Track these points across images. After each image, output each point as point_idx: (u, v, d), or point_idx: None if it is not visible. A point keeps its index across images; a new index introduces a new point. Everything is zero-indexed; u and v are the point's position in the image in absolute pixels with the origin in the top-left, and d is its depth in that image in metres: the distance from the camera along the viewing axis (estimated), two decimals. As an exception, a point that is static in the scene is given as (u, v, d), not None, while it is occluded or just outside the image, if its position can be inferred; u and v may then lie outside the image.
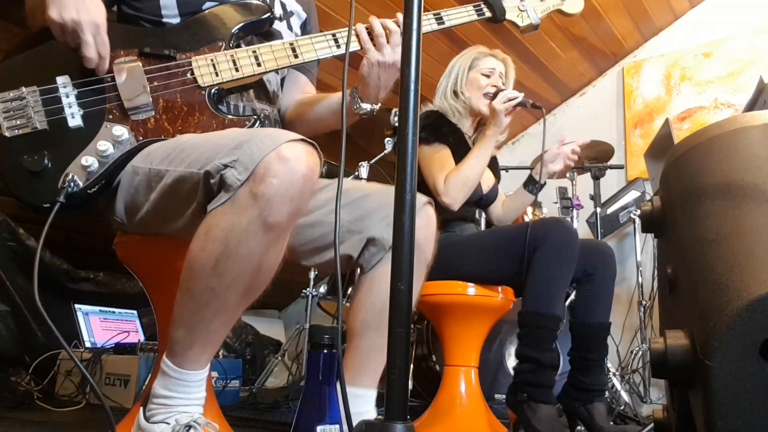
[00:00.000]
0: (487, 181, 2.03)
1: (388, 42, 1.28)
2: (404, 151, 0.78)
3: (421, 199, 1.25)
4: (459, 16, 1.38)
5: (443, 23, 1.35)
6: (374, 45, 1.28)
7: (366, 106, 1.34)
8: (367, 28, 1.30)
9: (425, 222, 1.26)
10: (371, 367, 1.23)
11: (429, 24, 1.35)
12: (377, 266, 1.27)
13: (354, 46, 1.29)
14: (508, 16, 1.42)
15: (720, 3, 3.46)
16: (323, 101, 1.44)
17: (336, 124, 1.40)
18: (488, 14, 1.40)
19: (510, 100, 1.86)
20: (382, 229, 1.26)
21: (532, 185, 2.05)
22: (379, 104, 1.36)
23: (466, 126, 2.07)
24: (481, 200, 2.00)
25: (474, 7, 1.40)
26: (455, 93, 2.07)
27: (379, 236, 1.26)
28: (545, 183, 2.07)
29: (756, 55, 3.27)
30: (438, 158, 1.92)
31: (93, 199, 1.13)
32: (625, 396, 2.60)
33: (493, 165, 2.15)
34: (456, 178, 1.85)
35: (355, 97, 1.34)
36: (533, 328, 1.65)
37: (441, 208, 1.87)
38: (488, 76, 2.04)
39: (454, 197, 1.85)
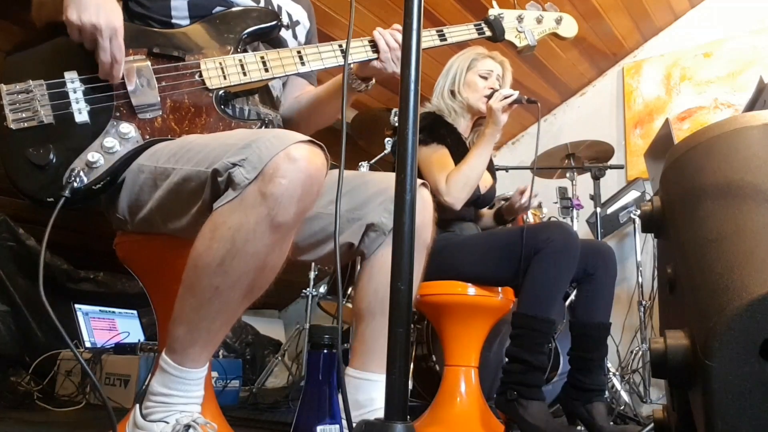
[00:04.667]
0: (485, 182, 2.03)
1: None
2: (404, 151, 0.78)
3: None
4: (461, 33, 1.44)
5: (445, 40, 1.41)
6: (392, 56, 1.32)
7: (362, 85, 1.40)
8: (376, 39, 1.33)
9: (421, 205, 1.26)
10: (378, 352, 1.23)
11: (432, 40, 1.40)
12: (378, 251, 1.28)
13: (359, 57, 1.32)
14: (506, 37, 1.49)
15: (720, 3, 3.46)
16: (317, 92, 1.47)
17: (333, 112, 1.45)
18: (488, 33, 1.48)
19: (506, 98, 1.86)
20: (380, 214, 1.27)
21: (500, 221, 2.19)
22: (374, 80, 1.40)
23: (463, 126, 2.07)
24: (478, 200, 2.00)
25: (475, 26, 1.47)
26: (452, 93, 2.08)
27: (378, 221, 1.26)
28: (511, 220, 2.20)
29: (756, 55, 3.27)
30: (437, 159, 1.92)
31: (97, 195, 1.13)
32: (625, 396, 2.60)
33: (490, 167, 2.16)
34: (457, 178, 1.85)
35: (352, 77, 1.38)
36: (527, 330, 1.65)
37: (441, 208, 1.88)
38: (486, 78, 2.05)
39: (456, 197, 1.85)
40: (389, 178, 1.32)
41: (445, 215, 1.93)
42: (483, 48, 2.13)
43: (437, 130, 1.98)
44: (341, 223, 1.25)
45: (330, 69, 1.32)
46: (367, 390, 1.19)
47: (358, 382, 1.20)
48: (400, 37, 1.29)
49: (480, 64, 2.07)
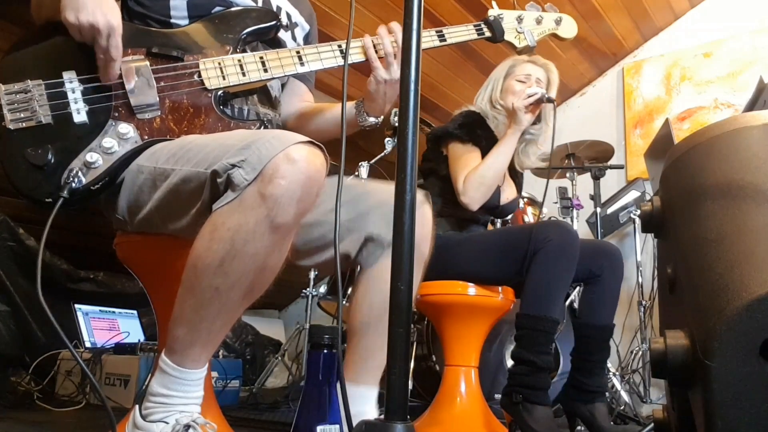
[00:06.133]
0: (508, 193, 2.00)
1: (395, 58, 1.30)
2: (404, 151, 0.78)
3: (418, 197, 1.26)
4: (460, 34, 1.43)
5: (445, 40, 1.40)
6: (381, 62, 1.30)
7: (371, 119, 1.38)
8: (374, 42, 1.31)
9: (420, 221, 1.26)
10: (372, 366, 1.23)
11: (432, 41, 1.39)
12: (376, 264, 1.27)
13: (359, 57, 1.31)
14: (506, 38, 1.48)
15: (720, 3, 3.46)
16: (325, 112, 1.46)
17: (337, 133, 1.42)
18: (488, 34, 1.47)
19: (529, 96, 1.84)
20: (380, 226, 1.26)
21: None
22: (383, 116, 1.39)
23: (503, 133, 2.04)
24: (496, 210, 1.98)
25: (475, 26, 1.46)
26: (492, 103, 2.05)
27: (377, 234, 1.26)
28: None
29: (756, 55, 3.27)
30: (465, 159, 1.91)
31: (95, 195, 1.13)
32: (625, 396, 2.60)
33: (518, 179, 2.12)
34: (473, 178, 1.84)
35: (361, 110, 1.37)
36: (530, 330, 1.65)
37: (458, 208, 1.88)
38: (524, 82, 2.01)
39: (472, 197, 1.84)
40: (391, 189, 1.31)
41: (460, 213, 1.92)
42: (524, 55, 2.04)
43: (475, 130, 1.96)
44: (341, 231, 1.24)
45: (329, 69, 1.31)
46: (359, 403, 1.18)
47: (349, 395, 1.20)
48: (398, 38, 1.30)
49: (518, 69, 2.04)
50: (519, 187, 2.13)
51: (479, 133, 1.96)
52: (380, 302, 1.21)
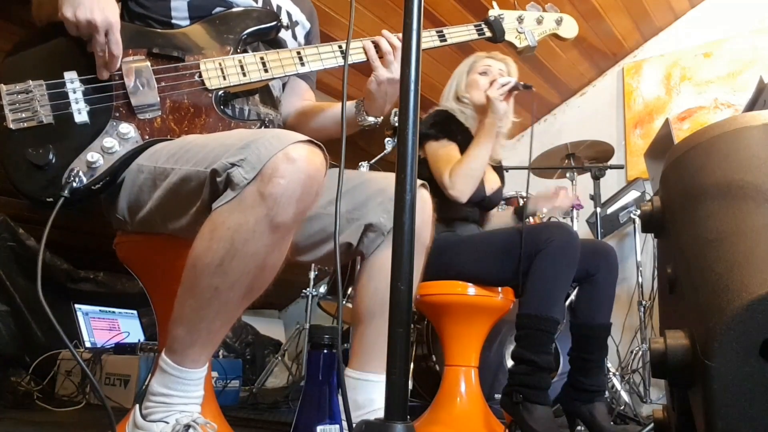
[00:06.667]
0: (492, 183, 2.03)
1: (395, 58, 1.30)
2: (404, 151, 0.78)
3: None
4: (461, 34, 1.44)
5: (445, 40, 1.41)
6: (382, 62, 1.30)
7: (371, 119, 1.38)
8: (374, 43, 1.31)
9: (420, 206, 1.26)
10: (378, 353, 1.23)
11: (432, 41, 1.40)
12: (377, 251, 1.28)
13: (359, 57, 1.32)
14: (507, 38, 1.49)
15: (720, 3, 3.46)
16: (325, 111, 1.46)
17: (337, 132, 1.42)
18: (488, 34, 1.47)
19: (503, 85, 1.87)
20: (379, 214, 1.27)
21: (520, 217, 2.17)
22: (383, 116, 1.39)
23: (474, 127, 2.06)
24: (483, 201, 2.00)
25: (475, 26, 1.46)
26: (458, 98, 2.10)
27: (377, 221, 1.27)
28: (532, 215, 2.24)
29: (756, 55, 3.27)
30: (444, 153, 1.93)
31: (96, 195, 1.13)
32: (625, 396, 2.60)
33: (498, 169, 2.16)
34: (460, 170, 1.86)
35: (361, 109, 1.37)
36: (531, 330, 1.65)
37: (446, 207, 1.88)
38: (486, 74, 2.06)
39: (461, 190, 1.86)
40: (388, 177, 1.32)
41: (448, 214, 1.92)
42: (483, 52, 2.16)
43: (448, 126, 1.99)
44: (340, 223, 1.25)
45: (329, 69, 1.32)
46: (367, 390, 1.19)
47: (357, 382, 1.20)
48: (395, 41, 1.30)
49: (479, 63, 2.10)
50: (501, 176, 2.16)
51: (453, 129, 2.00)
52: (383, 290, 1.20)
